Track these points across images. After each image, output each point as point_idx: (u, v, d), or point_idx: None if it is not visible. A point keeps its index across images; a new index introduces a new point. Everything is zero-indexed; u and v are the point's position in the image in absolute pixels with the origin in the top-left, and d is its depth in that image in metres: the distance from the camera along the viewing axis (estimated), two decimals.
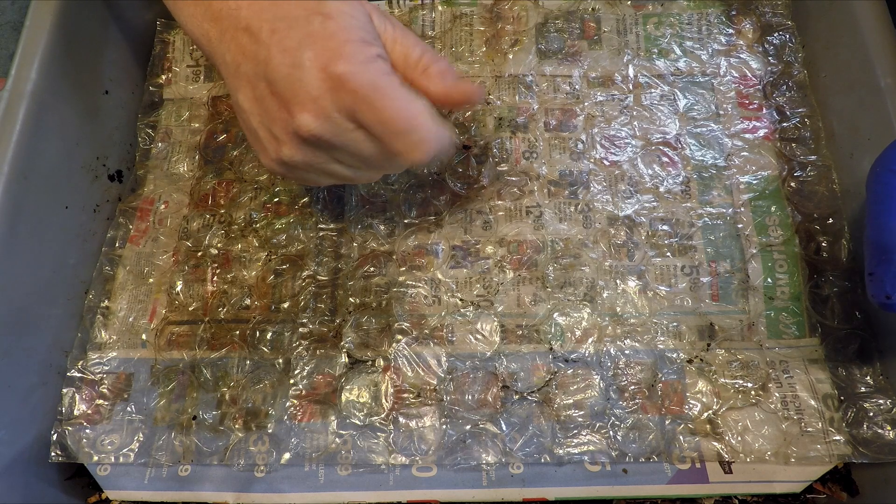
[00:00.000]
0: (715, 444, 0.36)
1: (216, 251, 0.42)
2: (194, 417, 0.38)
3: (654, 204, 0.42)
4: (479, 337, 0.39)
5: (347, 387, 0.38)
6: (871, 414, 0.36)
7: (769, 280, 0.40)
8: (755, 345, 0.39)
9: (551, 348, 0.39)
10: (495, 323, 0.39)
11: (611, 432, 0.37)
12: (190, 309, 0.41)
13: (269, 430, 0.37)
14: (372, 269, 0.41)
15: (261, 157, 0.33)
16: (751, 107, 0.44)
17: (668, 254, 0.41)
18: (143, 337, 0.40)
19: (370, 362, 0.39)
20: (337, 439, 0.37)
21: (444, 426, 0.37)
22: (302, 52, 0.28)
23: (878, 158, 0.32)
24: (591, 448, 0.36)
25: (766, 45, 0.45)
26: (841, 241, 0.40)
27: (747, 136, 0.43)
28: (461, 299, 0.40)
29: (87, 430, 0.38)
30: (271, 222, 0.43)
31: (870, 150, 0.39)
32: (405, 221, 0.42)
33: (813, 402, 0.37)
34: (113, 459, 0.37)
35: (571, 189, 0.42)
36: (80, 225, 0.42)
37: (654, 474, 0.36)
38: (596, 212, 0.42)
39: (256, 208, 0.43)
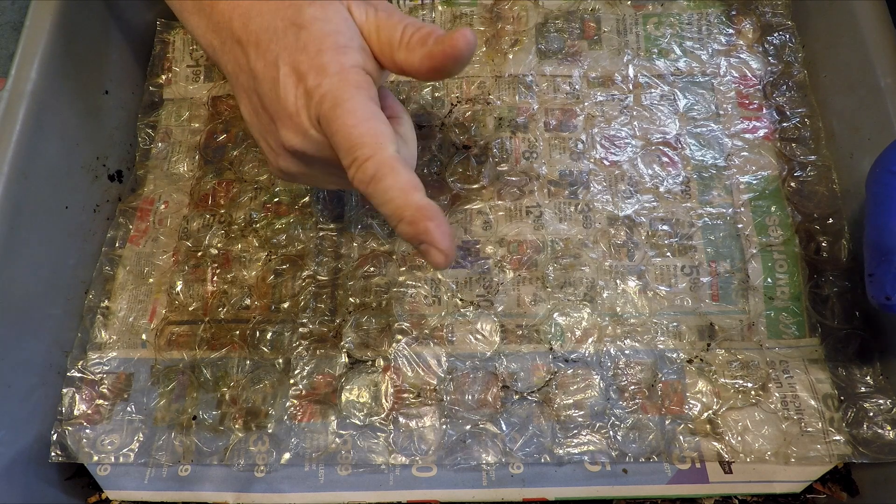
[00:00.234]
0: (715, 444, 0.36)
1: (216, 251, 0.42)
2: (194, 417, 0.38)
3: (654, 204, 0.42)
4: (479, 337, 0.39)
5: (347, 387, 0.38)
6: (871, 414, 0.36)
7: (769, 280, 0.40)
8: (755, 345, 0.39)
9: (551, 348, 0.39)
10: (495, 323, 0.39)
11: (611, 432, 0.37)
12: (190, 309, 0.41)
13: (269, 430, 0.37)
14: (372, 269, 0.41)
15: (267, 163, 0.33)
16: (751, 107, 0.44)
17: (668, 254, 0.41)
18: (143, 337, 0.40)
19: (370, 362, 0.39)
20: (337, 439, 0.37)
21: (444, 426, 0.37)
22: (279, 67, 0.28)
23: (878, 159, 0.32)
24: (591, 448, 0.36)
25: (766, 45, 0.45)
26: (841, 241, 0.40)
27: (747, 136, 0.43)
28: (461, 299, 0.40)
29: (87, 430, 0.38)
30: (271, 222, 0.43)
31: (870, 150, 0.39)
32: None
33: (813, 402, 0.37)
34: (113, 459, 0.38)
35: (571, 189, 0.42)
36: (80, 225, 0.42)
37: (654, 474, 0.36)
38: (596, 212, 0.42)
39: (256, 208, 0.43)
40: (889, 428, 0.35)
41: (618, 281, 0.40)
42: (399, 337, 0.39)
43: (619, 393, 0.38)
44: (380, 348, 0.39)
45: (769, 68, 0.45)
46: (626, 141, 0.44)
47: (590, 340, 0.39)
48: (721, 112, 0.44)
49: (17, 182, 0.36)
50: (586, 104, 0.44)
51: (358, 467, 0.37)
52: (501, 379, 0.38)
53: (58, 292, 0.40)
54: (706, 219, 0.41)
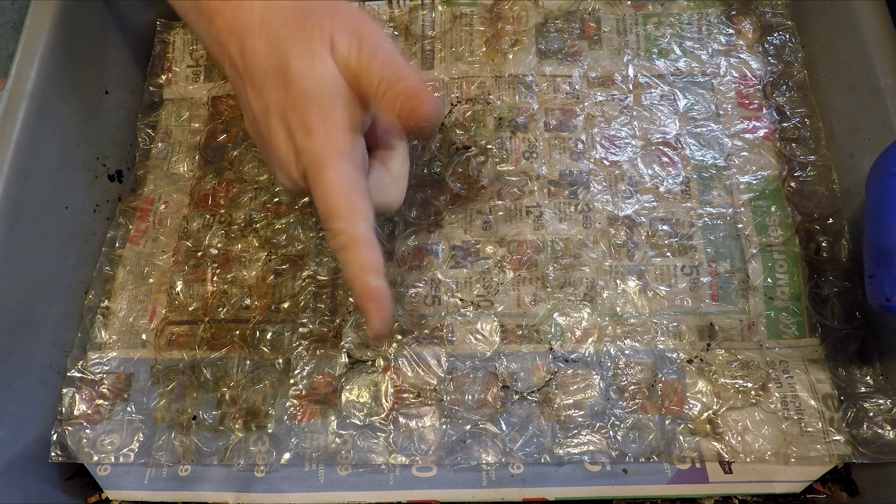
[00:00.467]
0: (715, 444, 0.36)
1: (216, 251, 0.42)
2: (194, 417, 0.38)
3: (654, 204, 0.42)
4: (479, 337, 0.39)
5: (347, 387, 0.38)
6: (871, 414, 0.36)
7: (769, 280, 0.40)
8: (755, 345, 0.39)
9: (551, 348, 0.39)
10: (495, 323, 0.39)
11: (611, 432, 0.37)
12: (190, 309, 0.41)
13: (269, 430, 0.37)
14: None
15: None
16: (751, 107, 0.44)
17: (668, 254, 0.41)
18: (143, 337, 0.40)
19: (370, 362, 0.39)
20: (337, 439, 0.37)
21: (444, 426, 0.37)
22: (271, 116, 0.29)
23: (877, 160, 0.32)
24: (591, 448, 0.36)
25: (766, 45, 0.45)
26: (841, 241, 0.40)
27: (747, 136, 0.43)
28: (461, 299, 0.40)
29: (87, 430, 0.38)
30: (271, 222, 0.43)
31: (870, 151, 0.39)
32: (405, 221, 0.42)
33: (813, 402, 0.37)
34: (113, 459, 0.38)
35: (571, 189, 0.42)
36: (80, 225, 0.42)
37: (654, 474, 0.36)
38: (596, 212, 0.42)
39: (256, 208, 0.43)
40: (889, 428, 0.35)
41: (618, 281, 0.40)
42: (399, 337, 0.39)
43: (619, 393, 0.38)
44: (380, 348, 0.39)
45: (769, 68, 0.45)
46: (626, 141, 0.44)
47: (590, 340, 0.39)
48: (721, 112, 0.44)
49: (17, 182, 0.36)
50: (586, 104, 0.44)
51: (358, 467, 0.37)
52: (501, 379, 0.38)
53: (58, 292, 0.40)
54: (706, 219, 0.41)
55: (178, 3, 0.33)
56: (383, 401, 0.38)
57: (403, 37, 0.47)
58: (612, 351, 0.38)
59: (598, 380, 0.38)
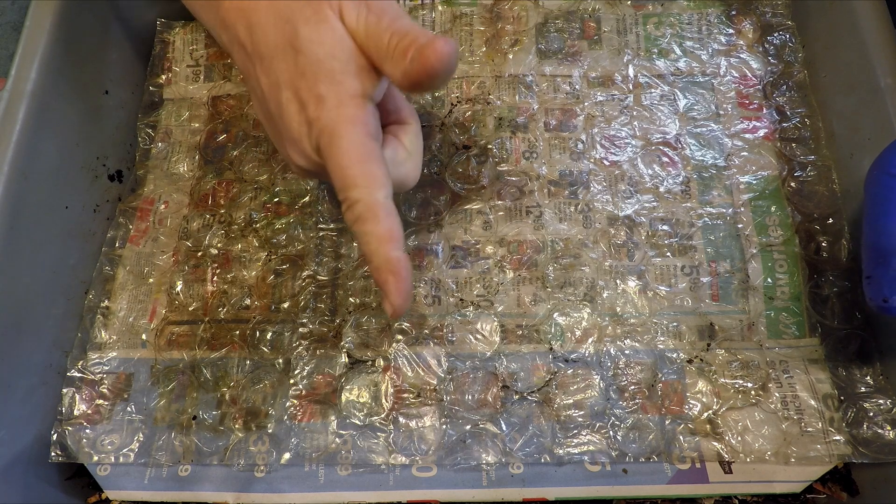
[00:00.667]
0: (715, 444, 0.36)
1: (216, 251, 0.42)
2: (194, 417, 0.38)
3: (654, 204, 0.42)
4: (479, 337, 0.39)
5: (347, 387, 0.38)
6: (871, 414, 0.36)
7: (769, 280, 0.40)
8: (755, 345, 0.39)
9: (551, 348, 0.39)
10: (495, 323, 0.39)
11: (611, 432, 0.37)
12: (190, 309, 0.41)
13: (269, 430, 0.37)
14: None
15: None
16: (751, 107, 0.44)
17: (668, 254, 0.41)
18: (143, 337, 0.40)
19: (370, 362, 0.39)
20: (337, 439, 0.37)
21: (444, 426, 0.37)
22: (281, 90, 0.28)
23: (876, 161, 0.32)
24: (591, 448, 0.36)
25: (766, 45, 0.45)
26: (841, 241, 0.40)
27: (747, 136, 0.43)
28: (461, 299, 0.40)
29: (87, 430, 0.38)
30: (271, 222, 0.43)
31: (870, 151, 0.39)
32: (405, 221, 0.42)
33: (813, 402, 0.37)
34: (113, 459, 0.38)
35: (571, 189, 0.42)
36: (80, 225, 0.42)
37: (654, 474, 0.36)
38: (596, 212, 0.42)
39: (256, 208, 0.43)
40: (889, 428, 0.35)
41: (618, 281, 0.40)
42: (399, 337, 0.39)
43: (619, 393, 0.38)
44: (380, 348, 0.39)
45: (769, 68, 0.45)
46: (626, 141, 0.44)
47: (590, 340, 0.39)
48: (721, 112, 0.44)
49: (17, 182, 0.36)
50: (586, 104, 0.44)
51: (358, 467, 0.37)
52: (501, 379, 0.38)
53: (58, 292, 0.40)
54: (706, 219, 0.41)
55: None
56: (383, 401, 0.38)
57: None
58: (612, 351, 0.38)
59: (598, 380, 0.38)
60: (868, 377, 0.37)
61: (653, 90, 0.45)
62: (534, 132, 0.44)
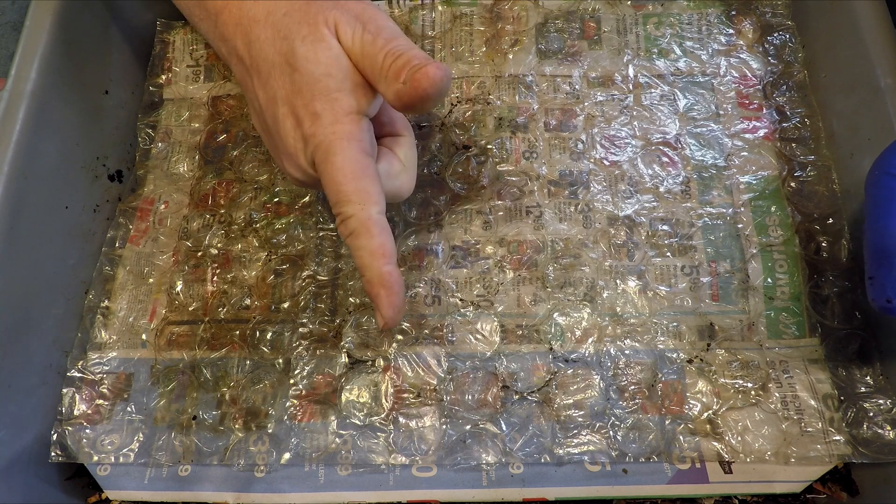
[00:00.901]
0: (715, 444, 0.36)
1: (216, 251, 0.42)
2: (194, 417, 0.38)
3: (654, 204, 0.42)
4: (479, 337, 0.39)
5: (347, 387, 0.38)
6: (871, 414, 0.36)
7: (769, 280, 0.40)
8: (755, 345, 0.39)
9: (551, 348, 0.39)
10: (495, 323, 0.39)
11: (611, 432, 0.37)
12: (190, 309, 0.41)
13: (269, 430, 0.37)
14: None
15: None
16: (751, 107, 0.44)
17: (668, 254, 0.41)
18: (143, 337, 0.40)
19: (370, 362, 0.39)
20: (337, 439, 0.37)
21: (444, 426, 0.37)
22: (278, 105, 0.29)
23: (876, 161, 0.32)
24: (591, 448, 0.36)
25: (766, 45, 0.45)
26: (841, 241, 0.40)
27: (747, 136, 0.43)
28: (461, 299, 0.40)
29: (87, 430, 0.38)
30: (271, 222, 0.43)
31: (870, 151, 0.39)
32: (405, 221, 0.42)
33: (813, 402, 0.37)
34: (113, 459, 0.37)
35: (571, 189, 0.42)
36: (80, 225, 0.42)
37: (654, 474, 0.36)
38: (596, 212, 0.42)
39: (256, 208, 0.43)
40: (889, 428, 0.35)
41: (618, 281, 0.40)
42: (399, 337, 0.39)
43: (619, 393, 0.38)
44: (380, 348, 0.39)
45: (769, 68, 0.45)
46: (626, 141, 0.44)
47: (590, 340, 0.39)
48: (721, 112, 0.44)
49: (17, 182, 0.36)
50: (586, 104, 0.44)
51: (358, 467, 0.37)
52: (501, 379, 0.38)
53: (58, 292, 0.40)
54: (706, 219, 0.41)
55: (183, 3, 0.33)
56: (383, 401, 0.38)
57: None
58: (612, 351, 0.38)
59: (598, 380, 0.38)
60: (868, 377, 0.37)
61: (653, 90, 0.45)
62: (534, 132, 0.44)
